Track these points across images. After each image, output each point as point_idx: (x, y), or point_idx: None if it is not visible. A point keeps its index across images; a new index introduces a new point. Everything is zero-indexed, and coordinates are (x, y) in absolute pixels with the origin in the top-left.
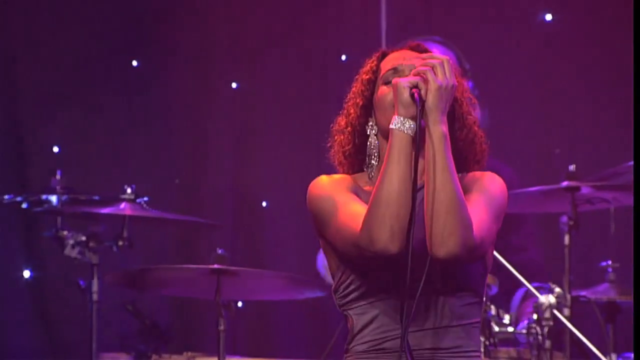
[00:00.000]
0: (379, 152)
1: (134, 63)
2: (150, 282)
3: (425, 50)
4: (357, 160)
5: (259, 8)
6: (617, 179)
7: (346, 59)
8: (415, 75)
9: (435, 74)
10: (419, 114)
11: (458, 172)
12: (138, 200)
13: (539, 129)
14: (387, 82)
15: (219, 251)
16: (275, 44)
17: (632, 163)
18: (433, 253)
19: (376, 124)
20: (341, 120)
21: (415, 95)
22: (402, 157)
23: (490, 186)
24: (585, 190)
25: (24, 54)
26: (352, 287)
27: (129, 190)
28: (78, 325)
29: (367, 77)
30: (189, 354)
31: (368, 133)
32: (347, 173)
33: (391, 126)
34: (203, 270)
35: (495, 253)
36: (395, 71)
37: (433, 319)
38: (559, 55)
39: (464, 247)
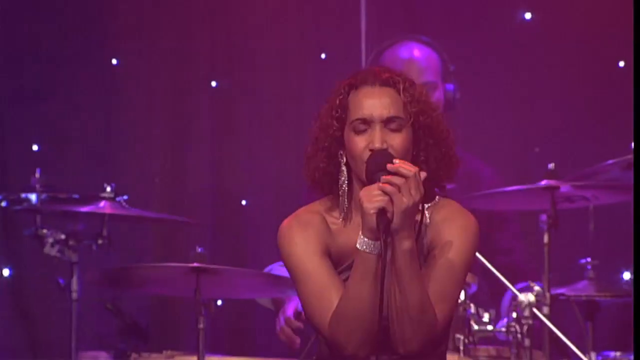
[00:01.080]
0: (348, 188)
1: (114, 61)
2: (129, 281)
3: (395, 83)
4: (330, 185)
5: (238, 6)
6: (597, 178)
7: (326, 57)
8: (381, 190)
9: (402, 193)
10: (384, 242)
11: (428, 199)
12: (118, 199)
13: (518, 128)
14: (358, 132)
15: (199, 249)
16: (255, 42)
17: (611, 162)
18: (395, 348)
19: (346, 157)
20: (314, 144)
21: (382, 230)
22: (368, 277)
23: (460, 245)
24: (565, 189)
25: (3, 53)
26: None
27: (108, 189)
28: (57, 323)
29: (337, 114)
30: (169, 352)
31: (340, 160)
32: (320, 193)
33: (357, 246)
34: (182, 268)
35: (480, 256)
36: (364, 122)
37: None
38: (539, 54)
39: (427, 344)
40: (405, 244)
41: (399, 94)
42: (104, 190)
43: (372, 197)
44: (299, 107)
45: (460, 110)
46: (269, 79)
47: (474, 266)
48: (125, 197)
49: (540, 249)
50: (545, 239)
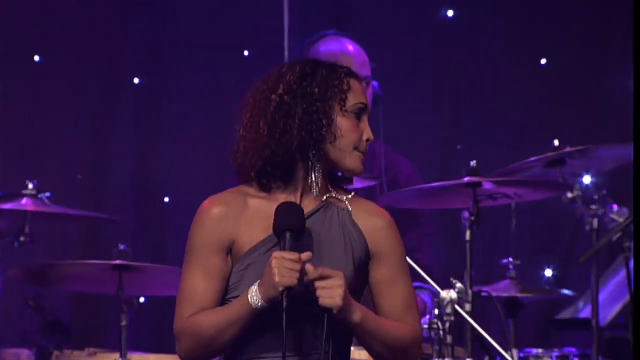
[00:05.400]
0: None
1: (36, 58)
2: (52, 278)
3: None
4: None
5: (162, 2)
6: (519, 175)
7: (249, 54)
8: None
9: (340, 294)
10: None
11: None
12: (40, 196)
13: (440, 125)
14: (358, 117)
15: (121, 247)
16: (178, 39)
17: (534, 159)
18: None
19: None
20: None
21: (284, 300)
22: (240, 322)
23: (401, 251)
24: (487, 185)
25: None
26: None
27: (30, 186)
28: None
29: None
30: (91, 349)
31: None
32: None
33: (249, 299)
34: (105, 266)
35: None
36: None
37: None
38: (461, 52)
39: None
40: (355, 317)
41: None
42: (26, 187)
43: (285, 272)
44: (222, 104)
45: (382, 107)
46: (192, 76)
47: None
48: (47, 194)
49: (462, 246)
50: (468, 236)
